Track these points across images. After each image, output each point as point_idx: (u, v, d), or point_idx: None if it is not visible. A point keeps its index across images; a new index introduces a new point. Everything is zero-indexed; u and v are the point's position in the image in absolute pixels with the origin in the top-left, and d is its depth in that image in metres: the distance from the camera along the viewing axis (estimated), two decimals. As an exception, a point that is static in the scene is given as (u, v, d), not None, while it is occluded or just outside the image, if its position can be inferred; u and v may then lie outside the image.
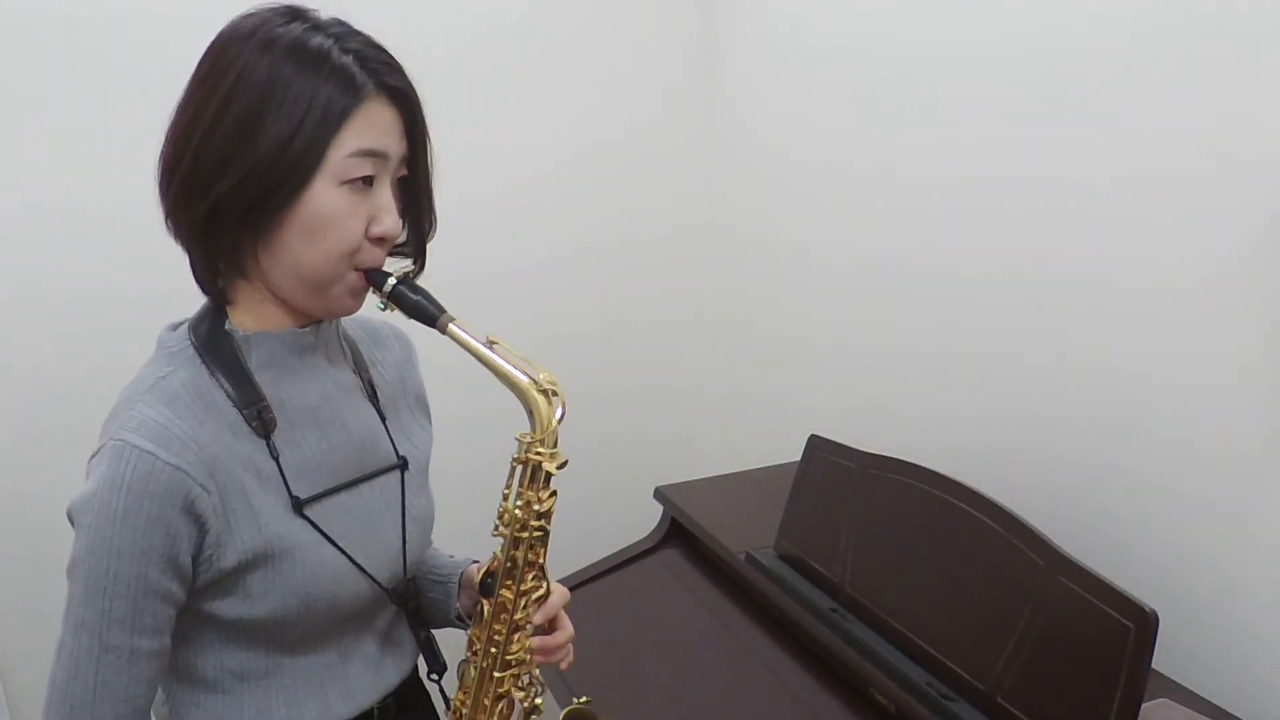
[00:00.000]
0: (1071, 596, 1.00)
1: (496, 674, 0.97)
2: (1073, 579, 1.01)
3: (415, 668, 1.07)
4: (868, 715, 1.16)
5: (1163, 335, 1.21)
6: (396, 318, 0.93)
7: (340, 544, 0.91)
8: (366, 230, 0.86)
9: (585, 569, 1.57)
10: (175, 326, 0.91)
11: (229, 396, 0.86)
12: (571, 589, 1.37)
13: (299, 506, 0.88)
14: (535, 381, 0.90)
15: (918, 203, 1.60)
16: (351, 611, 0.94)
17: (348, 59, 0.83)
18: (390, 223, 0.87)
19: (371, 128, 0.84)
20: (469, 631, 1.00)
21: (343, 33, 0.85)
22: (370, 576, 0.94)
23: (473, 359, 0.89)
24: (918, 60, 1.56)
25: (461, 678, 1.00)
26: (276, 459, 0.88)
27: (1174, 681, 1.15)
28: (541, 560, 0.96)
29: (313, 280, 0.86)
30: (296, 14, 0.85)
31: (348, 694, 0.95)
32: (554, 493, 0.94)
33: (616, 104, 2.14)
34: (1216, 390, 1.15)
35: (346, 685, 0.95)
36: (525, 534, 0.93)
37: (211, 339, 0.88)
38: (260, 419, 0.87)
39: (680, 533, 1.63)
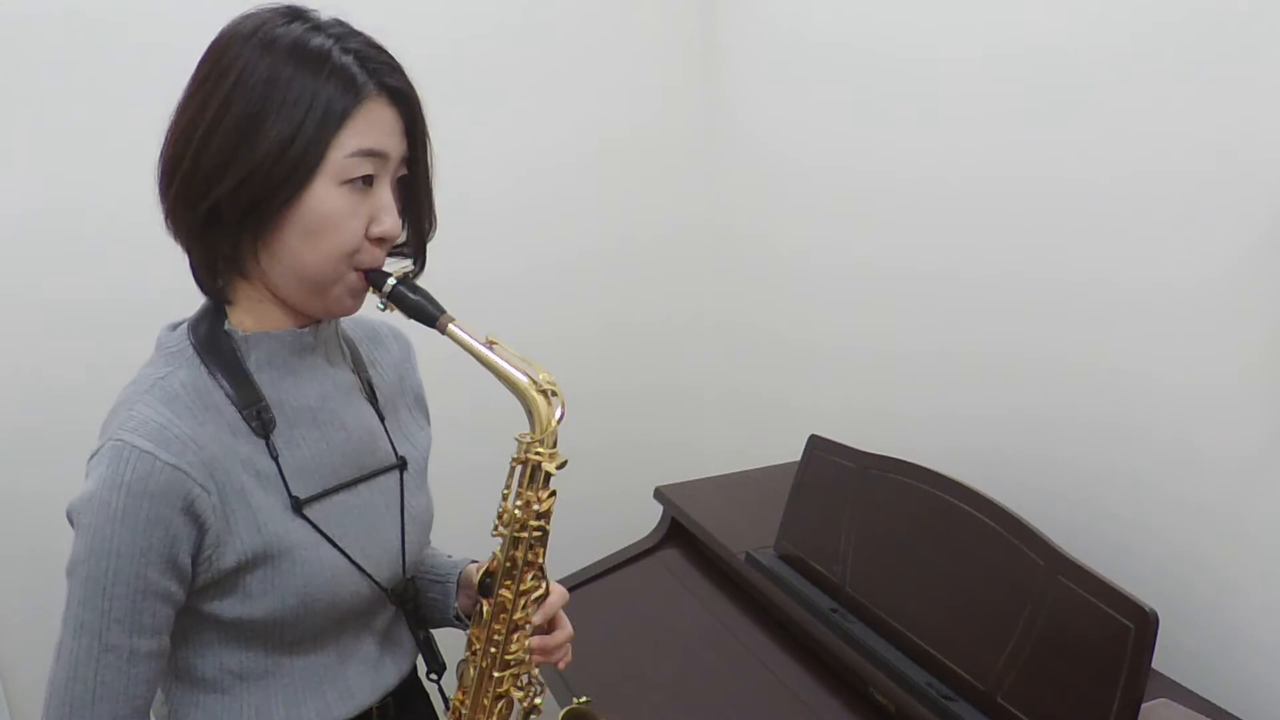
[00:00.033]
0: (1071, 596, 1.00)
1: (496, 673, 0.97)
2: (1073, 579, 1.01)
3: (414, 668, 1.07)
4: (868, 715, 1.16)
5: (1163, 336, 1.21)
6: (396, 318, 0.93)
7: (339, 544, 0.91)
8: (366, 230, 0.86)
9: (585, 569, 1.57)
10: (174, 327, 0.91)
11: (228, 396, 0.86)
12: (571, 589, 1.37)
13: (298, 506, 0.88)
14: (535, 381, 0.90)
15: (918, 203, 1.60)
16: (350, 611, 0.94)
17: (348, 59, 0.83)
18: (390, 223, 0.87)
19: (372, 127, 0.84)
20: (468, 631, 1.00)
21: (343, 33, 0.85)
22: (369, 576, 0.94)
23: (472, 359, 0.89)
24: (918, 60, 1.56)
25: (461, 677, 1.00)
26: (276, 459, 0.88)
27: (1174, 681, 1.15)
28: (541, 560, 0.96)
29: (313, 280, 0.86)
30: (297, 14, 0.85)
31: (347, 694, 0.95)
32: (553, 492, 0.94)
33: (616, 104, 2.14)
34: (1217, 391, 1.15)
35: (345, 685, 0.95)
36: (525, 534, 0.93)
37: (211, 339, 0.88)
38: (259, 419, 0.87)
39: (680, 533, 1.62)
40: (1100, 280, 1.28)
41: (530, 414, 0.91)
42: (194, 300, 0.91)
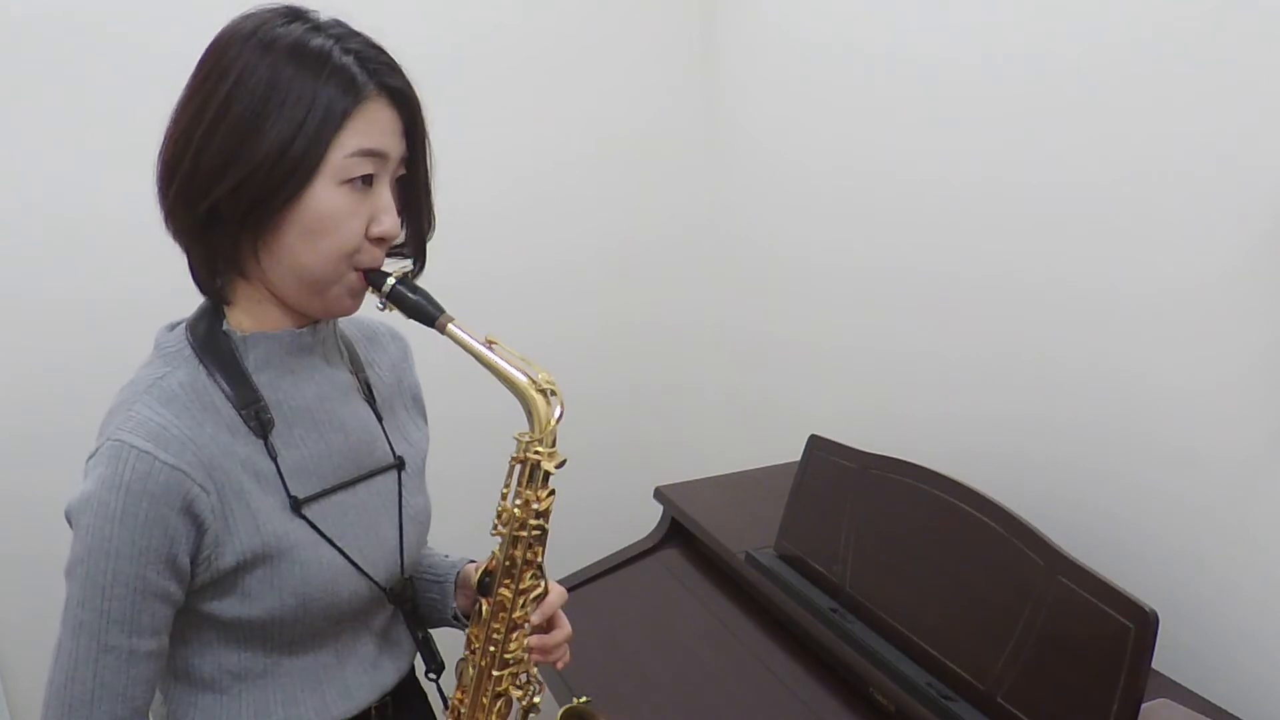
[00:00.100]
0: (1071, 596, 1.00)
1: (495, 672, 0.97)
2: (1073, 579, 1.00)
3: (412, 667, 1.07)
4: (868, 715, 1.16)
5: (1163, 336, 1.21)
6: (394, 318, 0.93)
7: (338, 544, 0.91)
8: (366, 230, 0.86)
9: (585, 569, 1.57)
10: (172, 327, 0.91)
11: (227, 397, 0.86)
12: (571, 589, 1.37)
13: (297, 506, 0.88)
14: (534, 381, 0.90)
15: (918, 204, 1.60)
16: (349, 611, 0.94)
17: (348, 60, 0.83)
18: (389, 223, 0.87)
19: (372, 127, 0.84)
20: (467, 630, 1.00)
21: (343, 33, 0.85)
22: (368, 576, 0.94)
23: (472, 359, 0.89)
24: (918, 62, 1.56)
25: (460, 676, 1.00)
26: (274, 459, 0.88)
27: (1174, 681, 1.15)
28: (540, 559, 0.96)
29: (312, 280, 0.86)
30: (296, 15, 0.85)
31: (345, 693, 0.95)
32: (552, 491, 0.94)
33: (616, 105, 2.14)
34: (1217, 391, 1.15)
35: (344, 685, 0.95)
36: (524, 533, 0.94)
37: (209, 339, 0.88)
38: (258, 419, 0.87)
39: (680, 533, 1.62)
40: (1100, 281, 1.28)
41: (529, 413, 0.91)
42: (194, 300, 0.91)
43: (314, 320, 0.92)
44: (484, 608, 0.97)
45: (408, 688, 1.07)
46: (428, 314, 0.88)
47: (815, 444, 1.43)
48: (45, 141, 1.67)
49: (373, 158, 0.84)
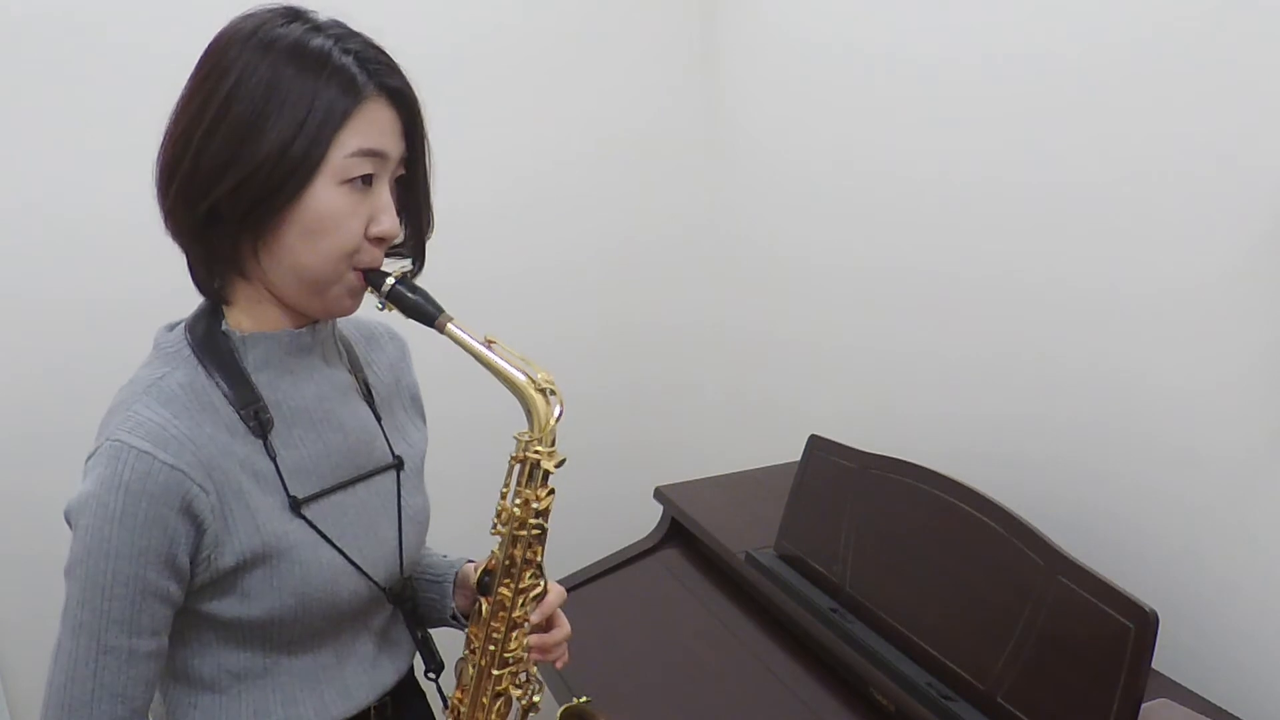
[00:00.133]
0: (1071, 596, 1.00)
1: (495, 671, 0.97)
2: (1073, 579, 1.00)
3: (411, 667, 1.07)
4: (868, 715, 1.16)
5: (1163, 336, 1.21)
6: (392, 318, 0.93)
7: (338, 544, 0.91)
8: (366, 230, 0.86)
9: (585, 569, 1.57)
10: (171, 327, 0.91)
11: (226, 397, 0.86)
12: (572, 589, 1.37)
13: (296, 506, 0.88)
14: (533, 380, 0.90)
15: (918, 204, 1.60)
16: (349, 611, 0.94)
17: (348, 60, 0.83)
18: (389, 223, 0.87)
19: (372, 127, 0.84)
20: (467, 629, 1.00)
21: (342, 34, 0.85)
22: (367, 576, 0.94)
23: (471, 359, 0.89)
24: (917, 62, 1.56)
25: (460, 676, 1.00)
26: (274, 459, 0.88)
27: (1174, 681, 1.14)
28: (539, 558, 0.96)
29: (312, 280, 0.86)
30: (295, 15, 0.85)
31: (345, 693, 0.95)
32: (552, 491, 0.94)
33: (616, 105, 2.14)
34: (1217, 391, 1.15)
35: (343, 685, 0.95)
36: (523, 532, 0.94)
37: (208, 339, 0.88)
38: (257, 419, 0.87)
39: (680, 533, 1.62)
40: (1100, 281, 1.28)
41: (529, 412, 0.91)
42: (194, 300, 0.91)
43: (313, 320, 0.92)
44: (484, 607, 0.97)
45: (407, 687, 1.06)
46: (427, 313, 0.88)
47: (815, 444, 1.43)
48: (45, 141, 1.67)
49: (373, 157, 0.84)
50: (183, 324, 0.90)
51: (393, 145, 0.87)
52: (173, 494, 0.80)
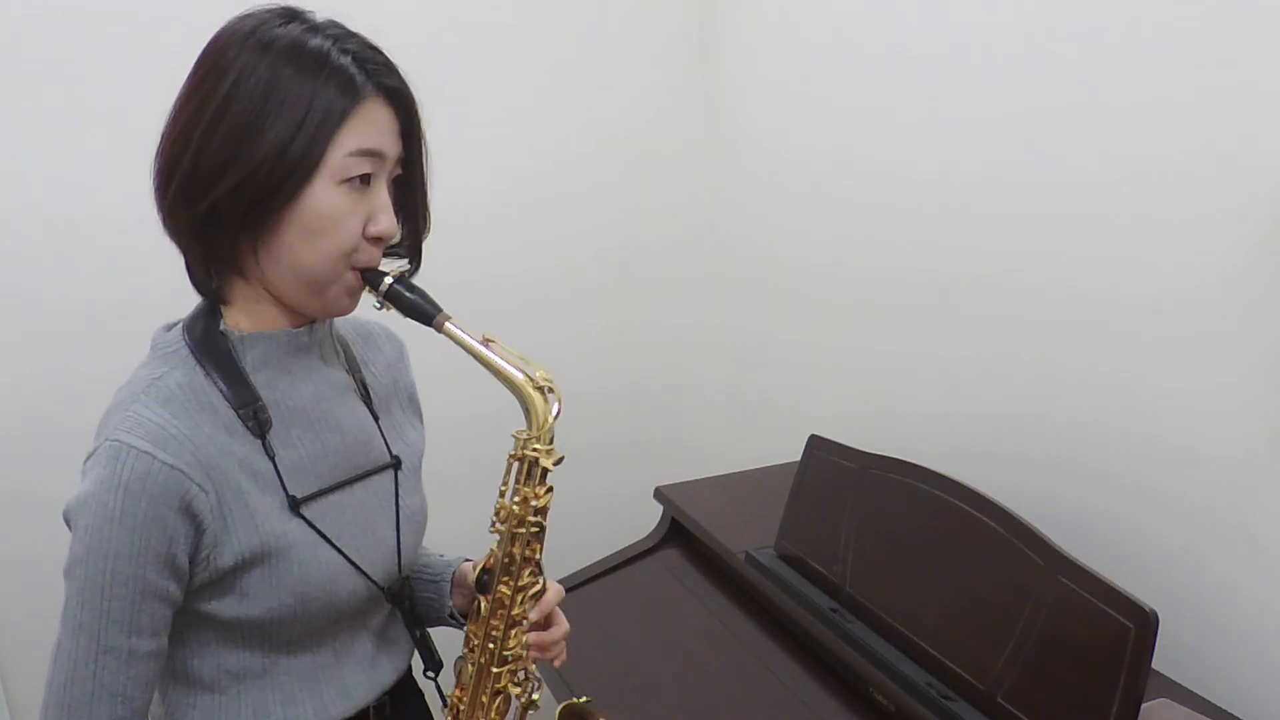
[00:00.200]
0: (1071, 596, 1.00)
1: (494, 670, 0.97)
2: (1073, 579, 1.00)
3: (410, 666, 1.07)
4: (868, 715, 1.16)
5: (1163, 336, 1.21)
6: (389, 317, 0.93)
7: (336, 543, 0.91)
8: (364, 230, 0.86)
9: (585, 569, 1.57)
10: (169, 327, 0.91)
11: (224, 397, 0.86)
12: (572, 589, 1.37)
13: (295, 506, 0.88)
14: (531, 378, 0.90)
15: (918, 204, 1.60)
16: (347, 610, 0.94)
17: (346, 60, 0.83)
18: (387, 222, 0.87)
19: (370, 127, 0.84)
20: (466, 628, 1.00)
21: (340, 34, 0.85)
22: (366, 575, 0.94)
23: (469, 358, 0.89)
24: (918, 62, 1.56)
25: (459, 674, 1.00)
26: (272, 459, 0.88)
27: (1174, 681, 1.14)
28: (538, 556, 0.96)
29: (311, 280, 0.86)
30: (293, 15, 0.85)
31: (344, 693, 0.95)
32: (550, 488, 0.94)
33: (616, 105, 2.14)
34: (1217, 391, 1.15)
35: (342, 684, 0.95)
36: (522, 530, 0.94)
37: (206, 339, 0.88)
38: (256, 419, 0.87)
39: (680, 533, 1.62)
40: (1100, 281, 1.28)
41: (527, 411, 0.91)
42: (193, 300, 0.91)
43: (311, 320, 0.92)
44: (482, 605, 0.97)
45: (406, 687, 1.07)
46: (425, 313, 0.88)
47: (815, 444, 1.43)
48: (45, 141, 1.67)
49: (371, 157, 0.85)
50: (180, 324, 0.90)
51: (391, 145, 0.87)
52: (172, 494, 0.80)
